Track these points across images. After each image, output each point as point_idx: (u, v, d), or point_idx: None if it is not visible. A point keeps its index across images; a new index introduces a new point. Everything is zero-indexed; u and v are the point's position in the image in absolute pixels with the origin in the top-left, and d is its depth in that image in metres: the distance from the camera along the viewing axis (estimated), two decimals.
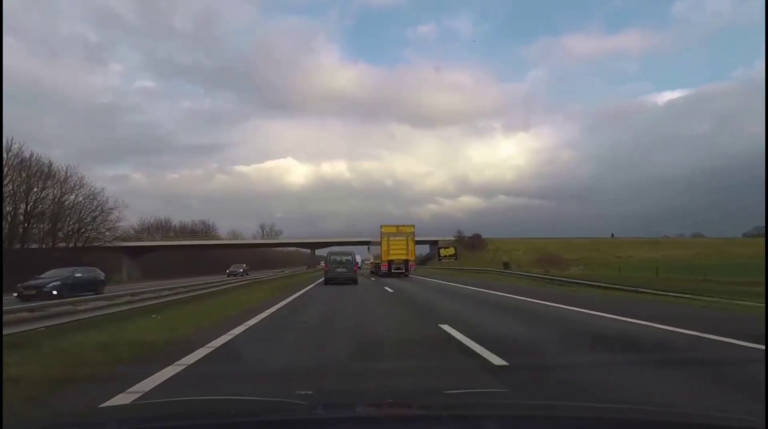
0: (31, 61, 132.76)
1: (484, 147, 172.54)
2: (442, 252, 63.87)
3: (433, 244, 78.11)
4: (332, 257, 25.91)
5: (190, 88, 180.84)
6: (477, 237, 72.96)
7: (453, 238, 75.10)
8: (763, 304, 9.45)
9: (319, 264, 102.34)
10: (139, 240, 73.39)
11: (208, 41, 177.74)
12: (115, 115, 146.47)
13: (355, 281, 24.17)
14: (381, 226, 35.49)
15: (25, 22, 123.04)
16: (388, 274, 32.70)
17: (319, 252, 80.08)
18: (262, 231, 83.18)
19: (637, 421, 1.49)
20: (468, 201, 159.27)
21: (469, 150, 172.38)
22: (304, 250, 77.48)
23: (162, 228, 79.71)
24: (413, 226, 36.30)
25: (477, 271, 44.37)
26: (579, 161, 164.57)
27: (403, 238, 33.91)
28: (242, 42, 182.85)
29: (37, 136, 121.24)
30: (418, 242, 60.71)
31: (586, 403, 2.22)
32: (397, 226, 35.30)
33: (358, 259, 57.86)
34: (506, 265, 56.69)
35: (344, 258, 25.64)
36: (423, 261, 78.95)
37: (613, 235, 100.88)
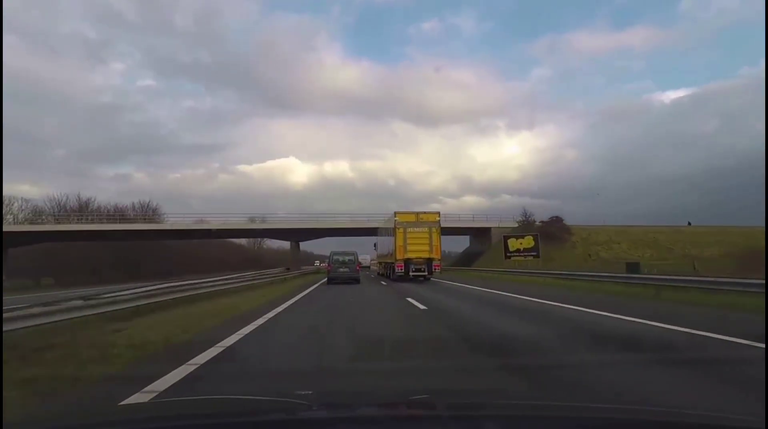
0: (31, 60, 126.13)
1: (488, 146, 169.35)
2: (512, 244, 37.68)
3: (480, 233, 51.89)
4: (335, 257, 25.01)
5: (191, 87, 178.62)
6: (556, 221, 46.47)
7: (516, 224, 48.84)
8: None
9: (313, 264, 78.92)
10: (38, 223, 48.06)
11: (208, 39, 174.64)
12: (116, 114, 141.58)
13: (357, 280, 23.69)
14: (395, 214, 25.57)
15: (25, 20, 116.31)
16: (404, 278, 24.05)
17: (311, 247, 55.24)
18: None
19: (637, 421, 1.46)
20: (471, 200, 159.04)
21: (473, 149, 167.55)
22: (284, 242, 52.46)
23: (83, 210, 54.21)
24: (438, 213, 26.36)
25: (597, 280, 19.61)
26: (583, 161, 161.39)
27: (425, 229, 25.01)
28: (243, 40, 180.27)
29: (37, 136, 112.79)
30: (447, 232, 41.04)
31: (586, 403, 2.22)
32: (417, 214, 25.65)
33: (367, 257, 49.78)
34: (633, 268, 30.40)
35: (347, 258, 24.80)
36: (465, 259, 53.07)
37: (690, 223, 77.76)
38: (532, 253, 36.48)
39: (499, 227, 49.10)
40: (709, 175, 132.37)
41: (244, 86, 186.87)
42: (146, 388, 4.02)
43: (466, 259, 52.98)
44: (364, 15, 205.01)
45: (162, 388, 4.07)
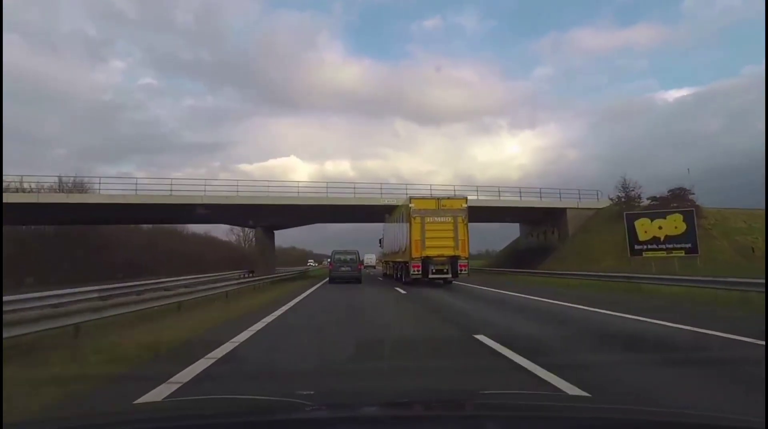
0: (31, 58, 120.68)
1: (490, 145, 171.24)
2: (644, 229, 21.00)
3: (542, 219, 35.11)
4: (336, 256, 24.37)
5: (191, 86, 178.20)
6: (680, 196, 29.26)
7: (609, 202, 32.21)
8: None
9: (307, 263, 64.98)
10: None
11: (209, 37, 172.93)
12: (118, 112, 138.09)
13: (359, 280, 22.96)
14: (410, 200, 20.12)
15: (25, 18, 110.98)
16: (420, 280, 19.20)
17: (310, 245, 39.49)
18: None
19: (637, 421, 1.45)
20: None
21: (475, 148, 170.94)
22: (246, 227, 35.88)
23: None
24: (465, 198, 20.39)
25: None
26: (585, 160, 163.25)
27: (449, 218, 19.50)
28: (244, 38, 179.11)
29: (38, 136, 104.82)
30: (484, 216, 31.76)
31: (586, 404, 2.22)
32: (438, 200, 19.94)
33: (373, 256, 58.40)
34: None
35: (348, 257, 24.28)
36: (513, 258, 36.70)
37: None
38: (685, 246, 19.88)
39: (578, 208, 32.47)
40: (710, 175, 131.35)
41: (245, 85, 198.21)
42: None
43: (515, 258, 36.37)
44: (365, 13, 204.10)
45: None
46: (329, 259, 26.25)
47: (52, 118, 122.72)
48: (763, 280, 10.29)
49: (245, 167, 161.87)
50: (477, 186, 41.05)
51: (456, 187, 35.73)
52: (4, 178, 35.13)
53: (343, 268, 23.57)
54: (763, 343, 5.51)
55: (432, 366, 4.91)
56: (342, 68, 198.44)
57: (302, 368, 4.87)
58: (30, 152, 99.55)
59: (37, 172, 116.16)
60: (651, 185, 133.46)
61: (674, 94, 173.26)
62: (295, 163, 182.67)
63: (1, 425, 1.77)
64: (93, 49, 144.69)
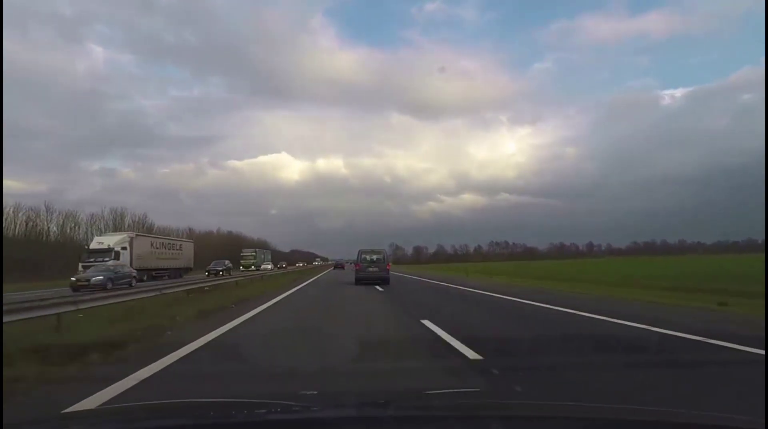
0: (6, 43, 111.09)
1: (488, 142, 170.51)
2: None
3: None
4: (363, 256, 23.96)
5: (178, 75, 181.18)
6: None
7: None
8: None
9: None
10: None
11: (195, 18, 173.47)
12: (101, 103, 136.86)
13: (387, 281, 22.55)
14: None
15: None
16: None
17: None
18: None
19: (637, 422, 1.48)
20: (469, 199, 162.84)
21: (473, 145, 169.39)
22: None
23: None
24: None
25: None
26: (586, 158, 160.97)
27: None
28: (232, 23, 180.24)
29: (18, 128, 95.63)
30: None
31: (586, 404, 2.27)
32: None
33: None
34: None
35: (375, 256, 23.92)
36: None
37: None
38: None
39: None
40: (713, 175, 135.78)
41: (233, 73, 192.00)
42: None
43: None
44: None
45: None
46: (356, 260, 24.84)
47: (32, 108, 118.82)
48: None
49: (234, 164, 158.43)
50: None
51: None
52: None
53: (370, 269, 23.03)
54: None
55: None
56: (336, 56, 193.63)
57: None
58: (11, 145, 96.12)
59: (18, 167, 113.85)
60: (651, 182, 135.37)
61: (682, 91, 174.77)
62: (285, 160, 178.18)
63: (1, 425, 1.77)
64: (70, 31, 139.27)
